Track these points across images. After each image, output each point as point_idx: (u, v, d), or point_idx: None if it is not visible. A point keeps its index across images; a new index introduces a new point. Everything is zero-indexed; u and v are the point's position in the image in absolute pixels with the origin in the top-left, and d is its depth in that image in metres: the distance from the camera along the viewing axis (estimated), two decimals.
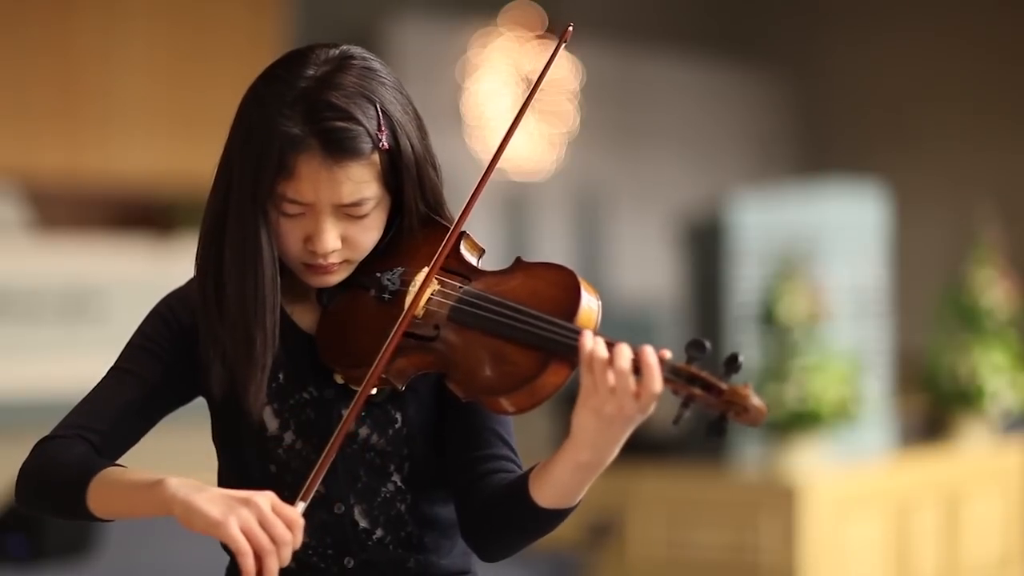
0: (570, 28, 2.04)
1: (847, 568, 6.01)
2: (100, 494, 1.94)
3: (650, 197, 12.40)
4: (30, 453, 2.05)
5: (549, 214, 11.47)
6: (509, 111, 11.38)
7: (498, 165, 2.07)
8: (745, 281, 6.03)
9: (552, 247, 11.12)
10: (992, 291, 7.03)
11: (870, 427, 6.38)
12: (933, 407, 7.15)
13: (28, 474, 2.02)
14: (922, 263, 11.37)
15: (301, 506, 1.90)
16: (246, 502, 1.84)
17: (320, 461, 1.95)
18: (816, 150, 13.43)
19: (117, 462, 2.03)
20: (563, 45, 2.02)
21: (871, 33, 13.10)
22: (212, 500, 1.85)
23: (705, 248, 6.17)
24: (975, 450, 6.97)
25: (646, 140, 12.59)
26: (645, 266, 11.84)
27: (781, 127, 13.56)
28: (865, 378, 6.22)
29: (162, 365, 2.07)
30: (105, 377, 2.09)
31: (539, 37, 11.51)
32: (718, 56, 13.06)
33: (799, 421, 5.82)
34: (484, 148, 11.09)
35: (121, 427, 2.06)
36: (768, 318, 5.91)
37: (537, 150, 11.40)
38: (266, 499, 1.85)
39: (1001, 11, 12.60)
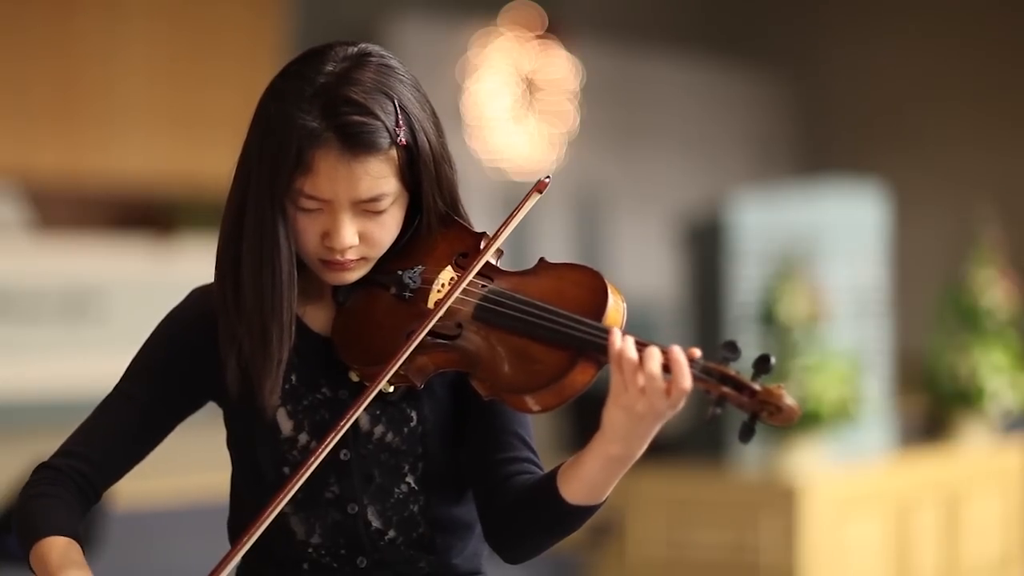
0: (547, 179, 2.05)
1: (847, 568, 6.01)
2: (34, 561, 2.00)
3: (650, 197, 12.40)
4: (28, 480, 2.10)
5: (549, 214, 11.47)
6: (509, 111, 11.39)
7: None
8: (745, 281, 6.03)
9: (552, 247, 11.11)
10: (992, 291, 7.03)
11: (870, 427, 6.38)
12: (933, 407, 7.14)
13: (16, 506, 2.09)
14: (922, 263, 11.37)
15: None
16: None
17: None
18: (816, 150, 13.43)
19: (100, 497, 2.10)
20: (537, 195, 2.03)
21: (871, 34, 13.11)
22: None
23: (705, 248, 6.17)
24: (975, 450, 6.97)
25: (646, 140, 12.59)
26: (645, 266, 11.84)
27: (781, 127, 13.56)
28: (865, 378, 6.22)
29: (162, 388, 2.09)
30: (108, 396, 2.11)
31: (539, 37, 11.52)
32: (718, 56, 13.06)
33: (799, 421, 5.82)
34: (484, 148, 11.10)
35: (117, 453, 2.09)
36: (768, 318, 5.91)
37: (537, 150, 11.40)
38: None
39: (1001, 12, 12.60)
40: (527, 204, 2.03)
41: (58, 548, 1.99)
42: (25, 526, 2.03)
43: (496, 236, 2.03)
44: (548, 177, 2.07)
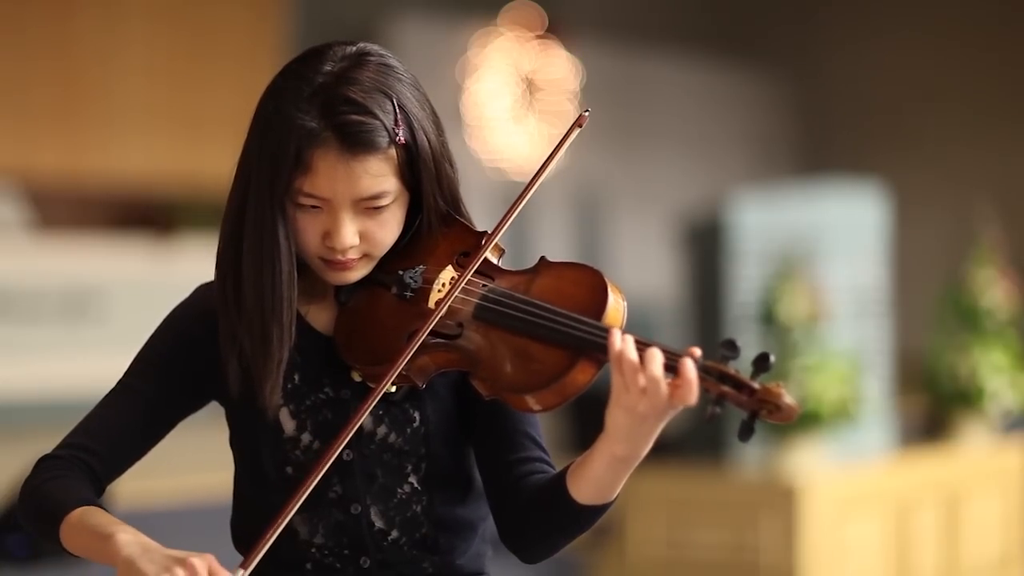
0: (587, 113, 2.06)
1: (847, 568, 6.01)
2: (68, 533, 1.98)
3: (650, 197, 12.40)
4: (31, 470, 2.08)
5: (549, 214, 11.47)
6: (509, 111, 11.39)
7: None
8: (745, 281, 6.03)
9: (552, 247, 11.11)
10: (992, 291, 7.03)
11: (870, 427, 6.38)
12: (933, 407, 7.14)
13: (24, 495, 2.06)
14: (922, 263, 11.37)
15: (241, 573, 1.91)
16: (182, 563, 1.87)
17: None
18: (816, 150, 13.43)
19: (104, 490, 2.08)
20: (578, 130, 2.05)
21: (871, 34, 13.11)
22: (151, 560, 1.88)
23: (705, 248, 6.17)
24: (975, 450, 6.97)
25: (646, 140, 12.59)
26: (645, 266, 11.84)
27: (781, 127, 13.56)
28: (865, 378, 6.21)
29: (166, 383, 2.08)
30: (112, 391, 2.11)
31: (539, 37, 11.52)
32: (718, 56, 13.06)
33: (799, 421, 5.82)
34: (484, 148, 11.10)
35: (121, 446, 2.08)
36: (768, 318, 5.91)
37: (537, 150, 11.40)
38: (203, 561, 1.87)
39: (1000, 12, 12.60)
40: (568, 139, 2.03)
41: (95, 515, 1.97)
42: (43, 509, 2.00)
43: (539, 174, 2.02)
44: (588, 111, 2.07)
